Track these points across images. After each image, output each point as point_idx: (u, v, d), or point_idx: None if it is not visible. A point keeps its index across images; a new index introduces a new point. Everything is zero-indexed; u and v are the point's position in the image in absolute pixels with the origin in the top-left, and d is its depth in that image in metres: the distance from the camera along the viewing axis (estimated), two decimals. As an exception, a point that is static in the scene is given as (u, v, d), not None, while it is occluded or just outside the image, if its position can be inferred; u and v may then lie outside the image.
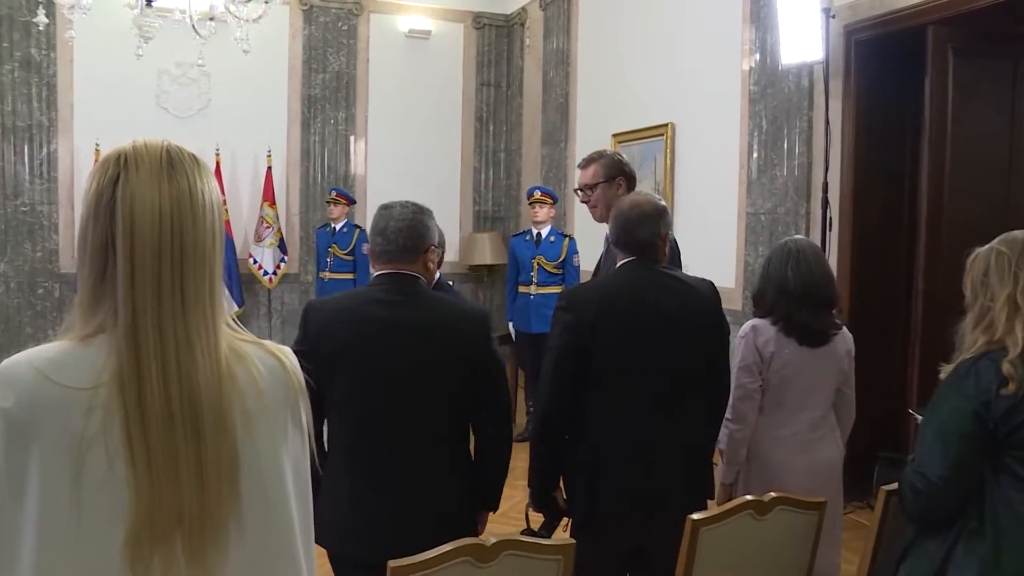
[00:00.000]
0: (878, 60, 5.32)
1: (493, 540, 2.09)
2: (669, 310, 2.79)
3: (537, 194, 6.96)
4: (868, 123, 5.38)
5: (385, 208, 2.62)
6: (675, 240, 3.23)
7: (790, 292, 3.11)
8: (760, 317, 3.19)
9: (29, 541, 1.17)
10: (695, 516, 2.44)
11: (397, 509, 2.49)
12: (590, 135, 8.27)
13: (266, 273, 8.93)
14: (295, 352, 2.27)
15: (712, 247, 6.42)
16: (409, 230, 2.56)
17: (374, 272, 2.62)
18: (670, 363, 2.78)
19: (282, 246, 9.05)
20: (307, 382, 1.37)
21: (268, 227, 8.92)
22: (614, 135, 7.78)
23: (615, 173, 3.61)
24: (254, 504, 1.25)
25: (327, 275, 7.95)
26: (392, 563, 1.96)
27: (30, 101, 8.73)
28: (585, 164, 3.67)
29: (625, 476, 2.74)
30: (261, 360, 1.31)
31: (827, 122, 5.28)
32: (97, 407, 1.17)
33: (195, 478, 1.19)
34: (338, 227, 8.00)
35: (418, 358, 2.50)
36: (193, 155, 1.29)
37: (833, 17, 5.15)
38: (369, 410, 2.49)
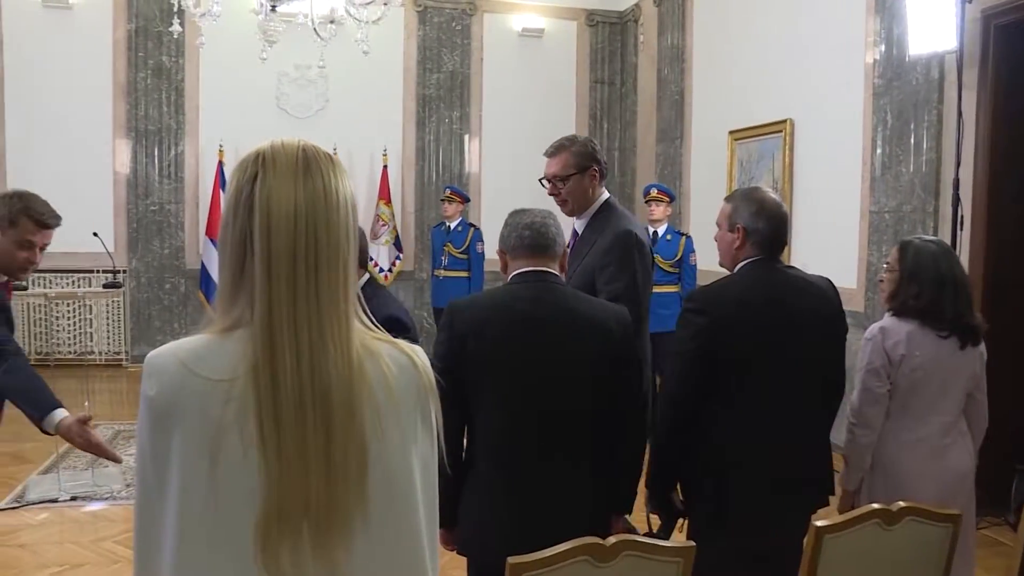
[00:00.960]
0: (1021, 46, 5.03)
1: (613, 540, 2.06)
2: (801, 310, 2.70)
3: (653, 192, 6.86)
4: (1007, 115, 5.07)
5: (520, 211, 2.59)
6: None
7: (945, 284, 2.95)
8: (897, 315, 3.02)
9: (170, 522, 1.23)
10: (819, 523, 2.35)
11: (546, 511, 2.45)
12: (706, 132, 8.14)
13: (381, 270, 9.10)
14: (440, 352, 2.17)
15: (832, 246, 6.22)
16: (556, 228, 2.55)
17: (512, 270, 2.57)
18: (801, 364, 2.70)
19: (397, 244, 9.20)
20: (438, 382, 1.38)
21: (384, 225, 9.08)
22: (731, 132, 7.63)
23: (587, 163, 3.25)
24: (381, 500, 1.27)
25: (441, 273, 8.02)
26: (511, 560, 1.95)
27: (160, 106, 9.12)
28: (553, 152, 3.30)
29: (755, 477, 2.67)
30: (393, 358, 1.32)
31: (959, 114, 5.00)
32: (234, 398, 1.21)
33: (323, 469, 1.22)
34: (453, 225, 8.06)
35: (568, 355, 2.47)
36: (328, 154, 1.31)
37: (969, 2, 4.89)
38: (521, 409, 2.46)
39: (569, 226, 3.25)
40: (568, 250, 3.15)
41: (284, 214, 1.23)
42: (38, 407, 2.76)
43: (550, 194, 3.33)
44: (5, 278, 3.16)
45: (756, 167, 7.31)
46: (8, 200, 3.04)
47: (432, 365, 1.38)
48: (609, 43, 9.87)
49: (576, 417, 2.50)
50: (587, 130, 9.88)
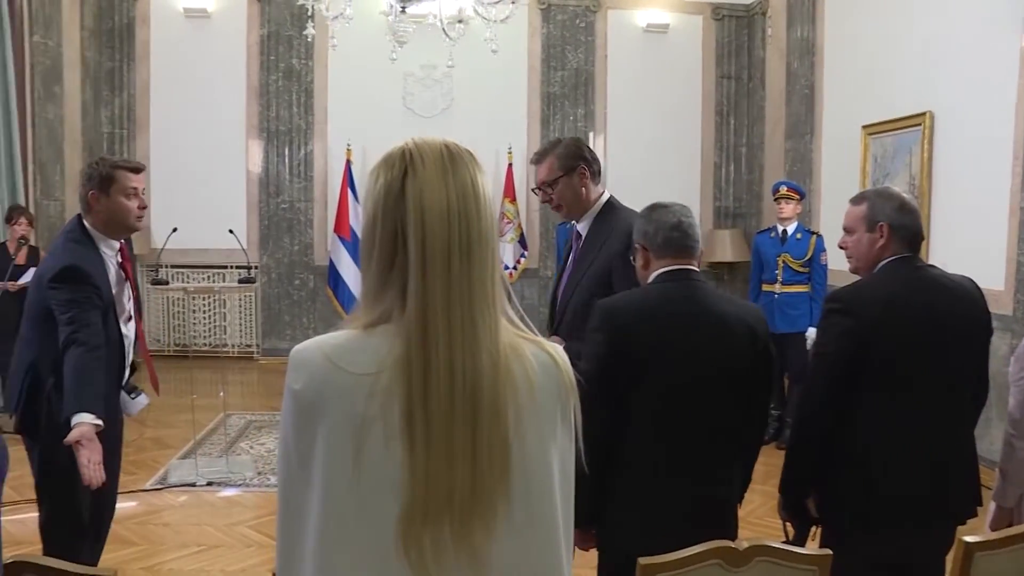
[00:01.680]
0: None
1: (746, 544, 1.99)
2: (950, 312, 2.56)
3: (783, 189, 6.65)
4: None
5: (661, 206, 2.55)
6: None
7: None
8: None
9: (313, 511, 1.25)
10: (969, 538, 2.21)
11: (701, 511, 2.44)
12: (837, 127, 7.87)
13: (507, 268, 9.14)
14: (593, 352, 2.18)
15: (975, 246, 5.91)
16: (697, 228, 2.54)
17: (655, 268, 2.53)
18: (950, 369, 2.56)
19: (522, 241, 9.22)
20: (578, 381, 1.37)
21: (509, 223, 9.11)
22: (864, 127, 7.35)
23: (574, 163, 3.19)
24: (520, 493, 1.27)
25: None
26: (643, 560, 1.90)
27: (290, 107, 9.40)
28: (538, 159, 3.24)
29: (901, 485, 2.54)
30: (535, 356, 1.32)
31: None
32: (378, 391, 1.23)
33: (468, 461, 1.23)
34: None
35: (721, 354, 2.44)
36: (468, 150, 1.33)
37: None
38: (674, 409, 2.43)
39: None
40: (572, 254, 3.24)
41: (438, 210, 1.24)
42: (68, 404, 2.85)
43: (543, 202, 3.30)
44: (119, 243, 3.27)
45: (891, 163, 7.01)
46: (95, 166, 3.21)
47: (577, 365, 1.38)
48: (736, 37, 9.65)
49: (727, 419, 2.47)
50: (713, 127, 9.70)
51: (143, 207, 3.22)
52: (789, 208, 6.59)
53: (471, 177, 1.28)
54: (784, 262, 6.52)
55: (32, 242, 6.80)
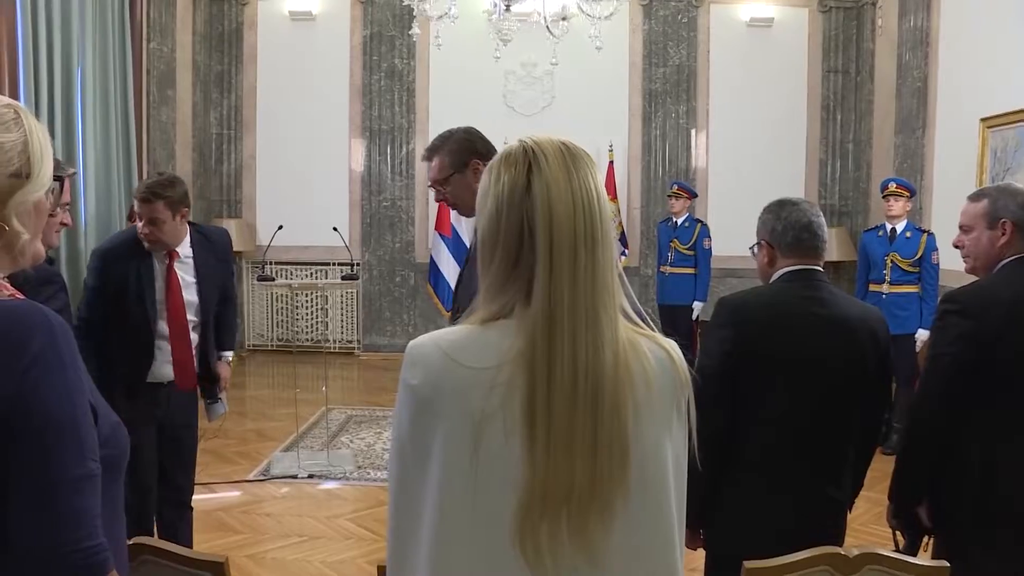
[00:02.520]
0: None
1: (856, 551, 1.90)
2: None
3: (892, 186, 6.42)
4: None
5: (790, 203, 2.55)
6: None
7: None
8: None
9: (429, 505, 1.26)
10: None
11: (815, 515, 2.40)
12: (953, 121, 7.54)
13: (605, 266, 9.06)
14: (715, 350, 2.22)
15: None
16: (826, 227, 2.54)
17: (780, 266, 2.52)
18: None
19: (623, 239, 9.14)
20: (706, 379, 1.42)
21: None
22: (983, 119, 7.02)
23: (466, 158, 2.98)
24: (637, 490, 1.27)
25: (668, 269, 7.87)
26: (748, 564, 1.84)
27: (392, 106, 9.53)
28: (428, 156, 3.07)
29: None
30: (652, 351, 1.33)
31: None
32: (498, 385, 1.24)
33: (589, 455, 1.23)
34: (680, 221, 7.89)
35: (846, 356, 2.40)
36: (583, 149, 1.33)
37: None
38: (797, 409, 2.38)
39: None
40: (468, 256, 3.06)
41: (564, 205, 1.25)
42: None
43: (437, 200, 3.14)
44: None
45: (1013, 157, 6.69)
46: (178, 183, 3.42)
47: (694, 362, 1.41)
48: (844, 29, 9.35)
49: (847, 422, 2.43)
50: (819, 122, 9.44)
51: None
52: (898, 205, 6.36)
53: (591, 173, 1.29)
54: (893, 261, 6.29)
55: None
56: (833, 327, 2.39)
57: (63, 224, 2.80)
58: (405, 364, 1.30)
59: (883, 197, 6.49)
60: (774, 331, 2.38)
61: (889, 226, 6.39)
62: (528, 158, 1.28)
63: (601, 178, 1.33)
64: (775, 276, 2.51)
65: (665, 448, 1.31)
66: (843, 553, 1.90)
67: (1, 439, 1.24)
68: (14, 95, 6.28)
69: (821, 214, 2.52)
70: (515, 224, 1.27)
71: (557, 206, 1.24)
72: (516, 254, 1.27)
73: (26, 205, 1.37)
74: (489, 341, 1.27)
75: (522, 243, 1.26)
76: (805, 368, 2.35)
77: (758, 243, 2.58)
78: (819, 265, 2.48)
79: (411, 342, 1.32)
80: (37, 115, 6.08)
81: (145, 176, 8.09)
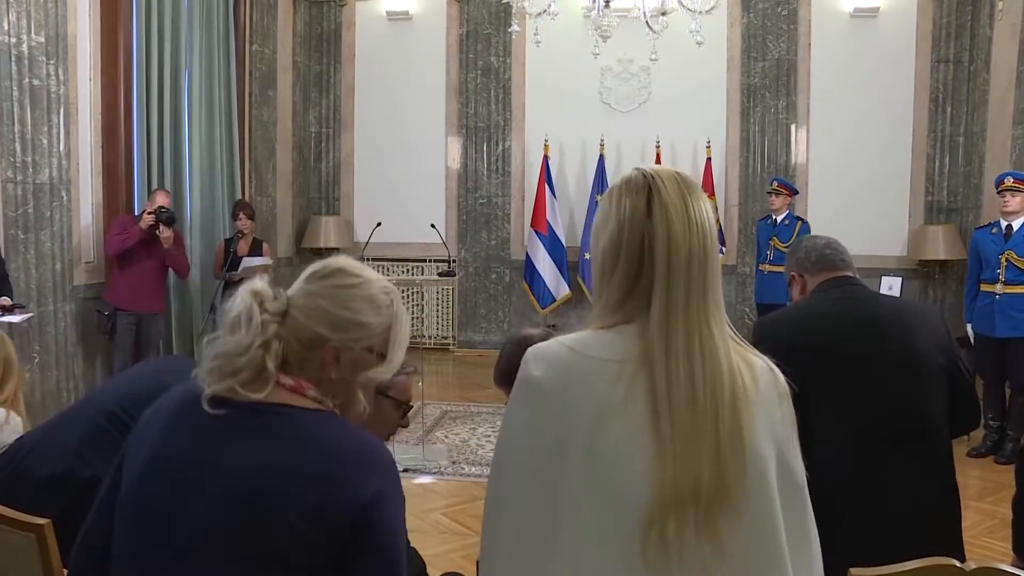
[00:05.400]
0: None
1: (973, 565, 1.79)
2: None
3: (1009, 181, 6.12)
4: None
5: (809, 237, 2.79)
6: None
7: None
8: None
9: (551, 499, 1.30)
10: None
11: (891, 525, 2.32)
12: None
13: (701, 264, 8.92)
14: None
15: None
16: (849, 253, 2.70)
17: (812, 286, 2.66)
18: None
19: (720, 237, 8.97)
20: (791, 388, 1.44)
21: (707, 218, 8.89)
22: (1106, 110, 6.68)
23: None
24: (753, 491, 1.32)
25: (767, 268, 7.69)
26: (855, 571, 1.76)
27: (488, 104, 9.55)
28: None
29: None
30: (754, 362, 1.40)
31: None
32: (623, 378, 1.31)
33: (713, 453, 1.29)
34: (779, 219, 7.71)
35: (913, 350, 2.44)
36: (690, 177, 1.45)
37: None
38: (868, 414, 2.38)
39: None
40: None
41: (681, 226, 1.35)
42: None
43: None
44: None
45: None
46: None
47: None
48: (957, 16, 8.96)
49: (915, 418, 2.38)
50: (927, 114, 9.08)
51: None
52: (1015, 201, 6.06)
53: (702, 199, 1.41)
54: (1008, 260, 6.00)
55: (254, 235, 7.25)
56: (883, 324, 2.46)
57: None
58: (525, 363, 1.37)
59: (998, 192, 6.20)
60: (815, 340, 2.45)
61: (1004, 223, 6.10)
62: (648, 184, 1.39)
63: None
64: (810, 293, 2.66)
65: (770, 452, 1.37)
66: (959, 566, 1.79)
67: None
68: (128, 97, 6.54)
69: (838, 240, 2.71)
70: (636, 243, 1.36)
71: (674, 226, 1.35)
72: (636, 270, 1.36)
73: (373, 382, 1.58)
74: (612, 340, 1.35)
75: (642, 260, 1.36)
76: (870, 369, 2.39)
77: (789, 283, 2.73)
78: (850, 272, 2.63)
79: (531, 347, 1.39)
80: (147, 116, 6.33)
81: (248, 174, 8.31)
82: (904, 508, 2.34)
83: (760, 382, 1.38)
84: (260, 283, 1.53)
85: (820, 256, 2.65)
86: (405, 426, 2.48)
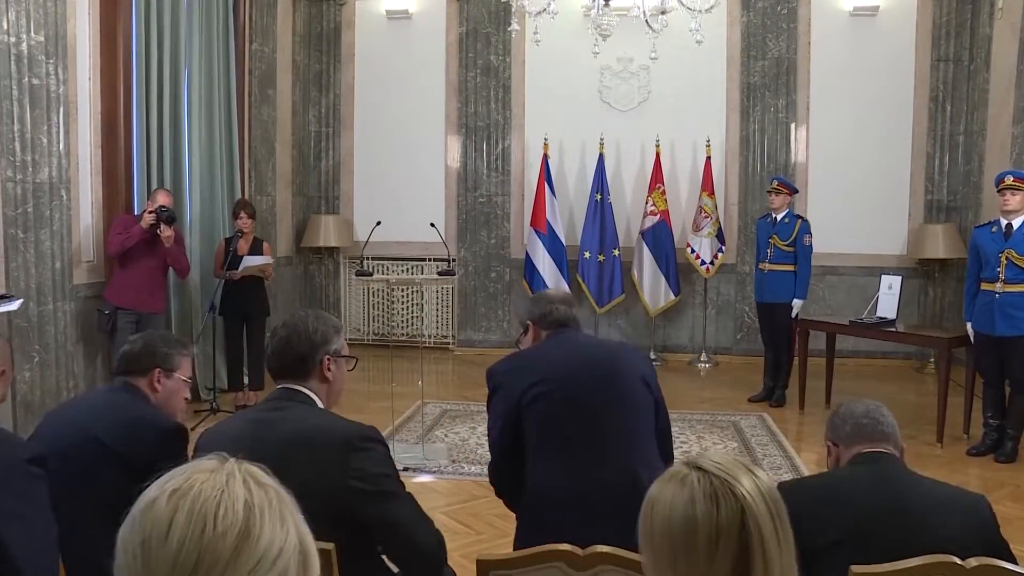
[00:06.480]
0: None
1: (974, 563, 1.79)
2: None
3: (1009, 179, 6.11)
4: None
5: (846, 403, 2.56)
6: None
7: None
8: None
9: None
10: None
11: None
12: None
13: (703, 263, 8.93)
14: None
15: None
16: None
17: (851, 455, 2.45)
18: None
19: (720, 236, 8.98)
20: None
21: (707, 217, 8.90)
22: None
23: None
24: None
25: (767, 266, 7.68)
26: (855, 569, 1.76)
27: (488, 103, 9.56)
28: None
29: None
30: None
31: None
32: None
33: None
34: (779, 217, 7.70)
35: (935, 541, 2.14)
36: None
37: None
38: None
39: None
40: None
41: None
42: None
43: None
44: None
45: None
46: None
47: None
48: (957, 15, 8.96)
49: None
50: (927, 113, 9.09)
51: None
52: (1015, 200, 6.05)
53: None
54: (1008, 259, 6.00)
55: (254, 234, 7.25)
56: (903, 514, 2.20)
57: None
58: None
59: (998, 191, 6.20)
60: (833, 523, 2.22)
61: (1004, 221, 6.09)
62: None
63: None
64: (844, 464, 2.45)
65: None
66: (959, 563, 1.80)
67: None
68: (128, 96, 6.54)
69: (882, 407, 2.50)
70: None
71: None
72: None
73: None
74: None
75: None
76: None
77: (828, 452, 2.53)
78: (888, 449, 2.39)
79: None
80: (147, 115, 6.33)
81: (248, 173, 8.31)
82: None
83: None
84: None
85: (856, 425, 2.45)
86: None
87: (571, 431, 2.41)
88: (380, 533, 2.26)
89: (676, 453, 6.10)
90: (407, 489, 2.41)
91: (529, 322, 3.05)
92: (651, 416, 2.78)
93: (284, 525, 1.03)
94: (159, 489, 1.02)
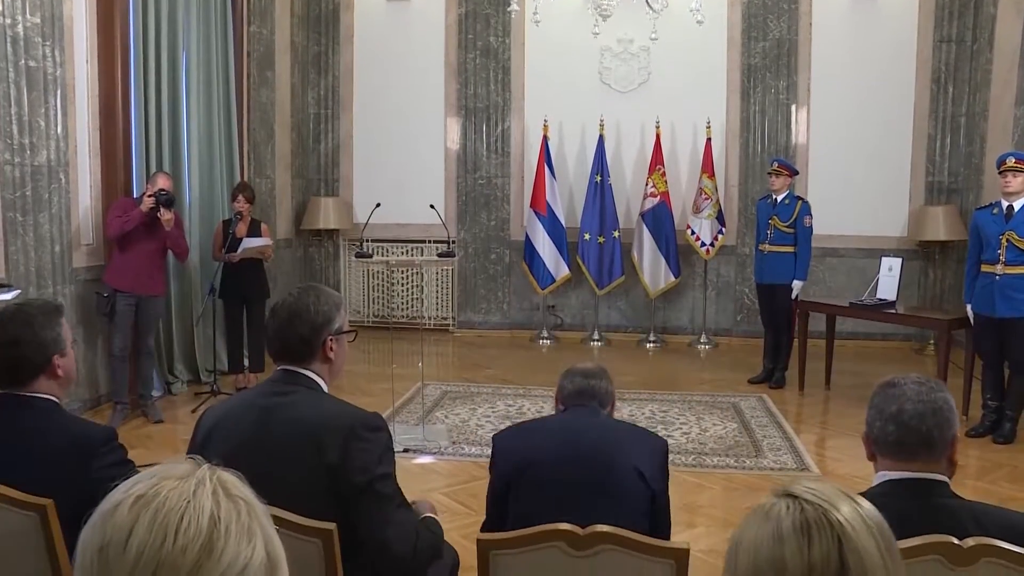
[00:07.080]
0: None
1: (972, 542, 1.79)
2: None
3: (1010, 161, 6.10)
4: None
5: (891, 384, 2.11)
6: None
7: None
8: None
9: None
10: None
11: None
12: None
13: (703, 244, 8.92)
14: None
15: None
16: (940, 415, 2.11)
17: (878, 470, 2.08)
18: None
19: (720, 218, 8.97)
20: None
21: (707, 199, 8.88)
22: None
23: None
24: None
25: (767, 248, 7.67)
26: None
27: (488, 84, 9.53)
28: None
29: None
30: None
31: None
32: None
33: None
34: (779, 199, 7.68)
35: None
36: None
37: None
38: None
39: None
40: None
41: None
42: None
43: None
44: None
45: None
46: None
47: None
48: (960, -5, 8.93)
49: None
50: (928, 95, 9.04)
51: None
52: (1017, 181, 6.04)
53: None
54: (1008, 241, 5.99)
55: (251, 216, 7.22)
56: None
57: None
58: None
59: (999, 173, 6.19)
60: None
61: (1005, 203, 6.08)
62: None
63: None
64: (874, 483, 2.05)
65: None
66: (956, 542, 1.80)
67: None
68: (126, 78, 6.51)
69: (939, 390, 2.06)
70: None
71: None
72: None
73: None
74: None
75: None
76: None
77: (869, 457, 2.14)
78: (933, 471, 1.99)
79: None
80: (145, 98, 6.29)
81: (247, 156, 8.28)
82: None
83: None
84: None
85: (897, 439, 2.01)
86: None
87: (549, 519, 2.32)
88: (359, 525, 2.25)
89: (676, 435, 6.12)
90: (404, 487, 2.39)
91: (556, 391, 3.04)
92: (641, 510, 2.69)
93: (251, 540, 0.98)
94: (124, 493, 0.98)
